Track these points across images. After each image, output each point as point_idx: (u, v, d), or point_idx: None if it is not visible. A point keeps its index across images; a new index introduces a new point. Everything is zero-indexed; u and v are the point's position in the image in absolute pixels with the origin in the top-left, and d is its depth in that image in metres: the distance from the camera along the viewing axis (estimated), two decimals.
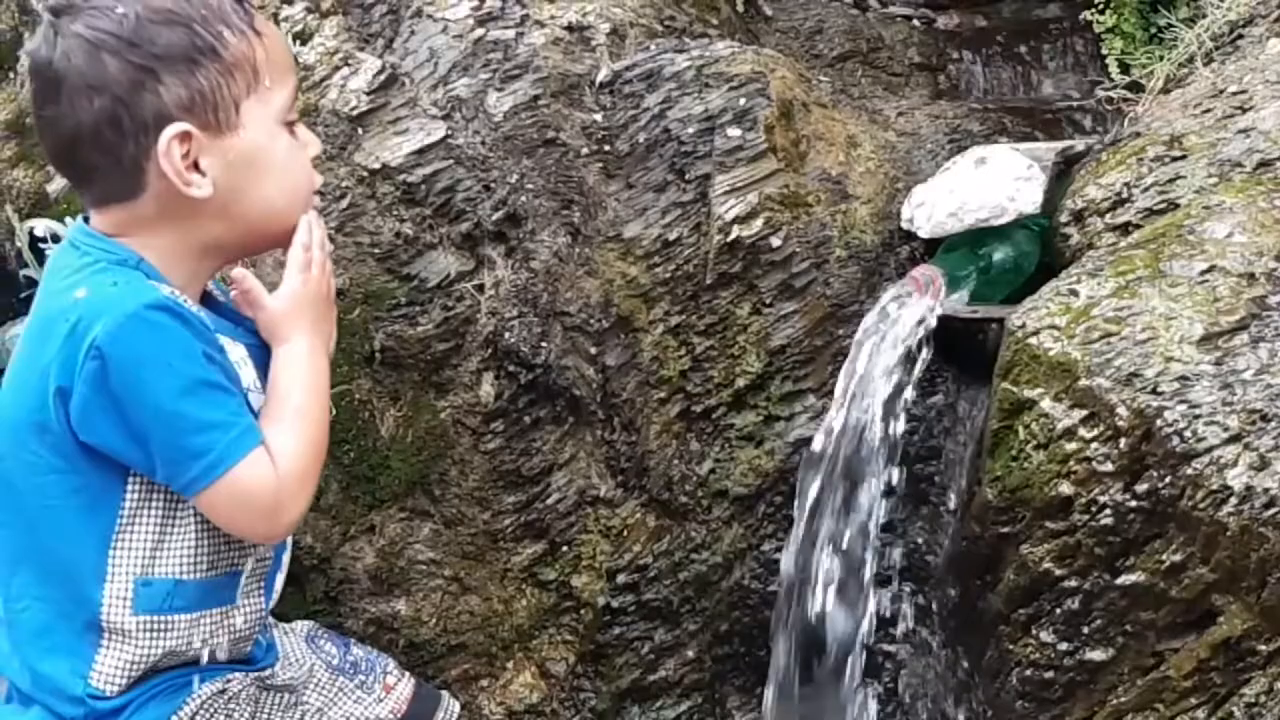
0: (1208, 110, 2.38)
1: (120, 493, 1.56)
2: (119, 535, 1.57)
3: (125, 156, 1.56)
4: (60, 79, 1.55)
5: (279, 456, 1.57)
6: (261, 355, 1.68)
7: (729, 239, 2.47)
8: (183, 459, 1.52)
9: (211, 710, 1.63)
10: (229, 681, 1.65)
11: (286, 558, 1.75)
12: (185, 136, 1.55)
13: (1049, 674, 2.05)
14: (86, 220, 1.63)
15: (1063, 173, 2.49)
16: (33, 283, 2.74)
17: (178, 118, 1.55)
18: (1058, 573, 2.02)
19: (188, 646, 1.62)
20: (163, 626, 1.60)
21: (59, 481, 1.56)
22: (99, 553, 1.57)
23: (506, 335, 2.41)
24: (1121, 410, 1.94)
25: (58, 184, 2.80)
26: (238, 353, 1.63)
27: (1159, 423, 1.90)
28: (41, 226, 2.72)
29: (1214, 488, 1.86)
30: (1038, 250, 2.45)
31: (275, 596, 1.74)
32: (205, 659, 1.64)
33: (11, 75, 2.94)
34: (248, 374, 1.64)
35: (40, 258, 2.74)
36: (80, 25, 1.55)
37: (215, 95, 1.57)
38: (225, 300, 1.73)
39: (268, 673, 1.72)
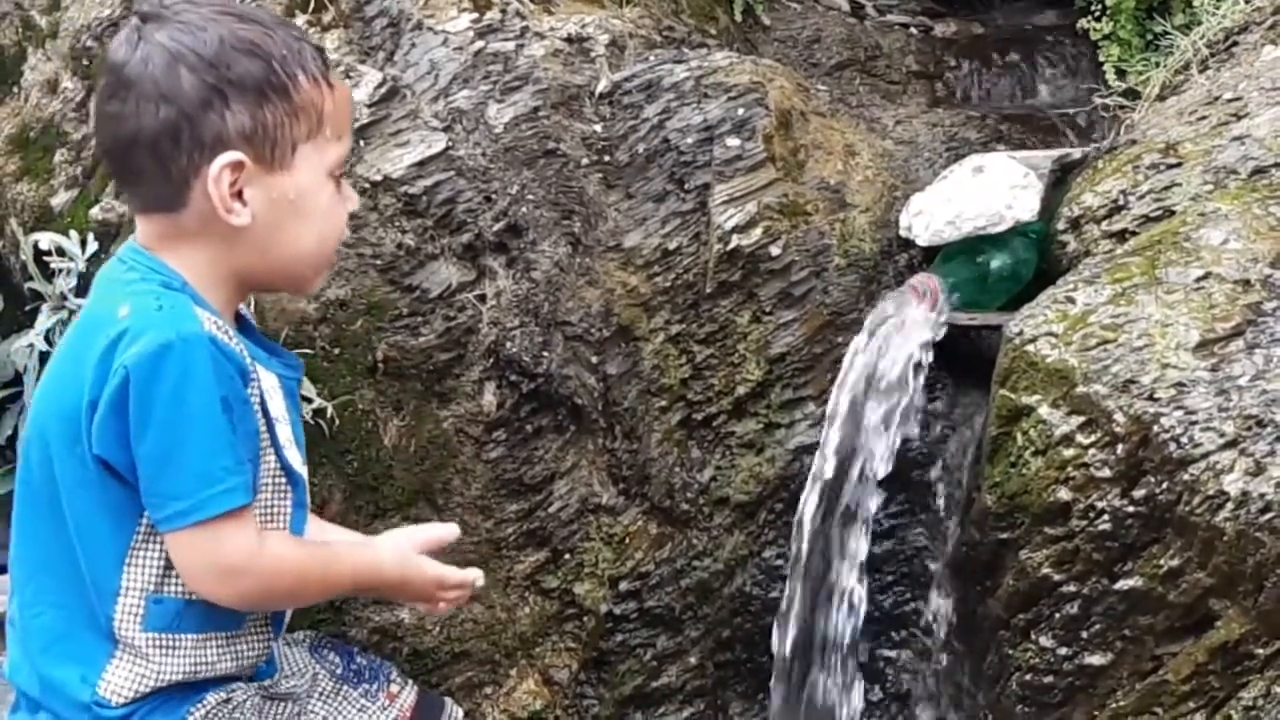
0: (1203, 117, 2.39)
1: (140, 509, 1.58)
2: (134, 551, 1.59)
3: (175, 169, 1.59)
4: (133, 81, 1.59)
5: (278, 548, 1.61)
6: (292, 387, 1.71)
7: (728, 248, 2.48)
8: (162, 496, 1.54)
9: (215, 717, 1.65)
10: (233, 691, 1.67)
11: None
12: (238, 165, 1.59)
13: (1048, 678, 2.06)
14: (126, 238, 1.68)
15: (1060, 180, 2.50)
16: (38, 296, 2.76)
17: (235, 146, 1.59)
18: (1056, 578, 2.03)
19: (194, 668, 1.63)
20: (171, 645, 1.62)
21: (84, 494, 1.58)
22: (115, 566, 1.59)
23: (508, 345, 2.42)
24: (1119, 416, 1.95)
25: (62, 197, 2.82)
26: (269, 381, 1.65)
27: (1156, 429, 1.92)
28: (46, 240, 2.73)
29: (1210, 493, 1.87)
30: (1035, 258, 2.46)
31: (284, 628, 1.77)
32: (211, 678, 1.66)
33: (15, 90, 2.96)
34: (277, 404, 1.66)
35: (45, 271, 2.75)
36: (165, 35, 1.59)
37: (276, 132, 1.61)
38: (256, 326, 1.76)
39: (269, 683, 1.74)
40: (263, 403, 1.62)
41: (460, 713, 1.92)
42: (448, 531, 1.84)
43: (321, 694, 1.79)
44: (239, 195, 1.60)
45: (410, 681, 1.89)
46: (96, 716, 1.61)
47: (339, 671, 1.84)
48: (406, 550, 1.78)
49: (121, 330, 1.54)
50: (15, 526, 1.68)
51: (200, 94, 1.58)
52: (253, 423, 1.60)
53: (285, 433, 1.67)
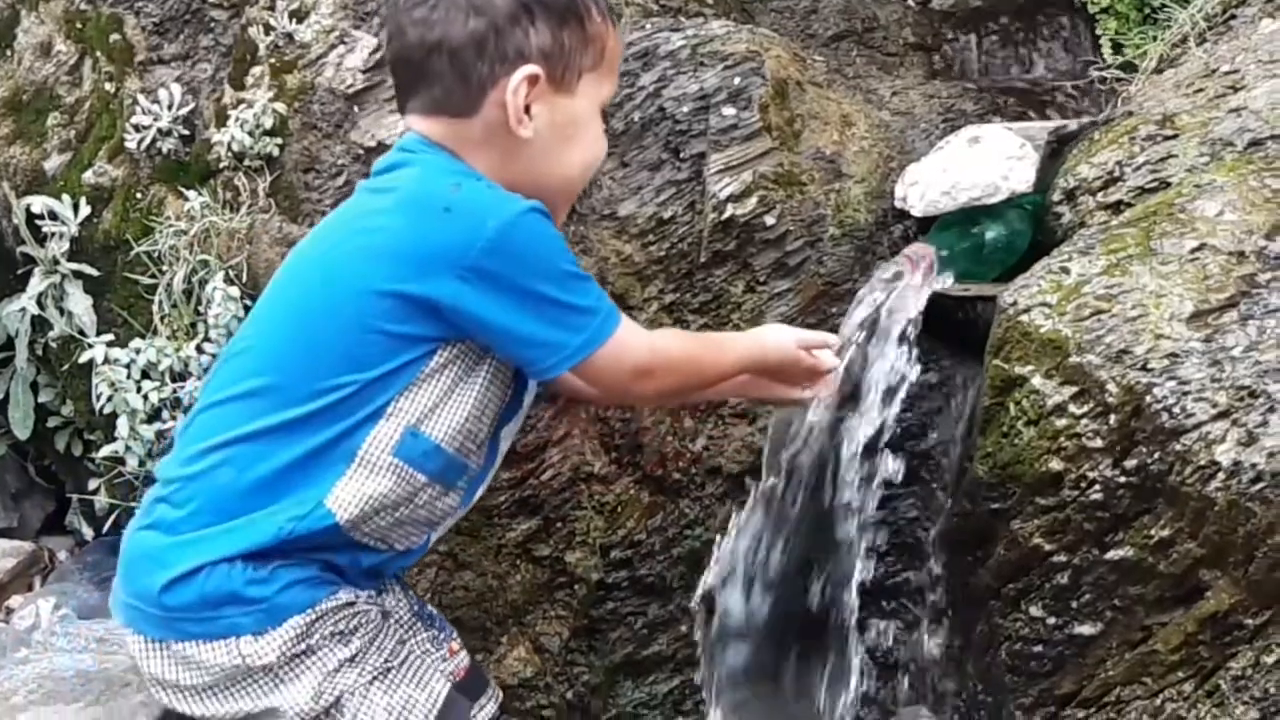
0: (1200, 90, 2.39)
1: (430, 356, 1.69)
2: (411, 387, 1.69)
3: (474, 77, 1.70)
4: None
5: (670, 341, 1.90)
6: None
7: (723, 217, 2.48)
8: (549, 345, 1.68)
9: (340, 615, 1.71)
10: (357, 597, 1.74)
11: (491, 475, 1.84)
12: (534, 79, 1.70)
13: (1038, 648, 2.07)
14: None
15: (1056, 152, 2.50)
16: (30, 260, 2.76)
17: (535, 60, 1.70)
18: (1047, 548, 2.03)
19: (408, 503, 1.73)
20: (405, 476, 1.71)
21: (379, 338, 1.66)
22: (386, 397, 1.68)
23: None
24: (1111, 387, 1.95)
25: (55, 161, 2.81)
26: None
27: (1148, 399, 1.92)
28: (38, 204, 2.73)
29: (1202, 463, 1.87)
30: (1030, 229, 2.46)
31: (470, 503, 1.84)
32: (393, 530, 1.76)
33: (8, 53, 2.95)
34: None
35: (37, 235, 2.74)
36: None
37: (569, 56, 1.73)
38: None
39: (375, 594, 1.80)
40: None
41: (500, 695, 1.96)
42: (828, 335, 2.03)
43: (398, 620, 1.85)
44: (527, 109, 1.70)
45: (465, 649, 1.94)
46: (296, 528, 1.67)
47: (415, 609, 1.90)
48: (786, 333, 1.99)
49: (459, 202, 1.65)
50: (247, 355, 1.75)
51: (510, 9, 1.69)
52: None
53: None
